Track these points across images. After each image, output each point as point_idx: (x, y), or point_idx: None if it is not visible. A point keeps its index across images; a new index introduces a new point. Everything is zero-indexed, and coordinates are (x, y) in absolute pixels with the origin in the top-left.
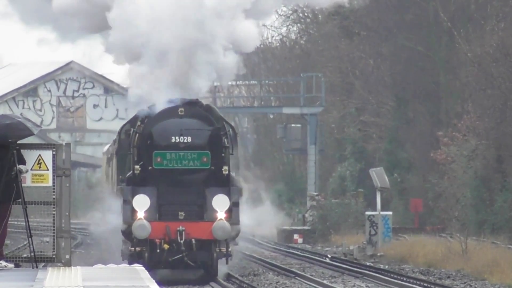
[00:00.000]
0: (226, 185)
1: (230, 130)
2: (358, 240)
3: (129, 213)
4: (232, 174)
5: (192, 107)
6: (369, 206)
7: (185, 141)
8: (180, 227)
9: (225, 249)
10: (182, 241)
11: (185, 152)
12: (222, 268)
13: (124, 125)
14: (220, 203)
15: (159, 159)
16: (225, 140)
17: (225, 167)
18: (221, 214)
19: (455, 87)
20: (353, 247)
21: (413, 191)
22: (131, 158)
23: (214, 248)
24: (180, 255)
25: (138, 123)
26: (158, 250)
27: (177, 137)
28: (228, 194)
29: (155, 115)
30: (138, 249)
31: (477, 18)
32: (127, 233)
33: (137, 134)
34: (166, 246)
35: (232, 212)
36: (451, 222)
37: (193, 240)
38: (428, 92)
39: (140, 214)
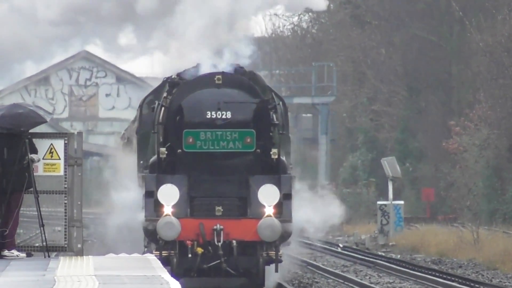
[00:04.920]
0: (275, 172)
1: (281, 103)
2: (370, 230)
3: (153, 207)
4: (283, 158)
5: (233, 74)
6: (381, 195)
7: (224, 117)
8: (217, 225)
9: (274, 253)
10: (219, 244)
11: (223, 131)
12: (271, 276)
13: (147, 96)
14: (267, 196)
15: (191, 140)
16: (274, 115)
17: (274, 150)
18: (269, 210)
19: (467, 77)
20: (364, 236)
21: (424, 180)
22: (156, 138)
23: (260, 252)
24: (218, 261)
25: (165, 94)
26: (189, 255)
27: (213, 112)
28: (278, 184)
29: (186, 84)
30: (164, 253)
31: (489, 8)
32: (151, 233)
33: (163, 108)
34: (199, 250)
35: (283, 206)
36: (462, 212)
37: (233, 242)
38: (440, 81)
39: (167, 209)
